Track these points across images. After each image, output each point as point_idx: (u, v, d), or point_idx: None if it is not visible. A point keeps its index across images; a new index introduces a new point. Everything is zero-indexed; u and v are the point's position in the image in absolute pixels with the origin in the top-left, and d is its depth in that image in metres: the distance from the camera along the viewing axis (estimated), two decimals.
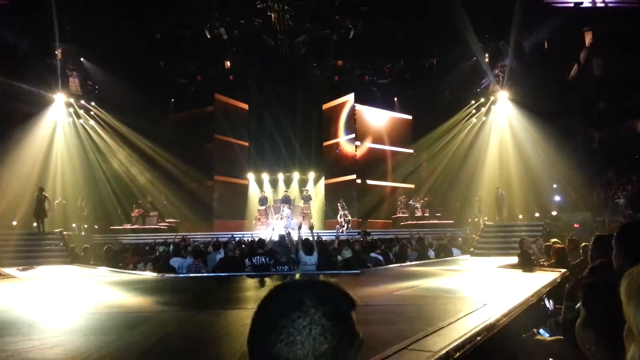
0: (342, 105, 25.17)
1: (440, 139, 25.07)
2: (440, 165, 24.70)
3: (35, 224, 17.66)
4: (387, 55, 24.82)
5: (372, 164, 24.20)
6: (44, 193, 17.74)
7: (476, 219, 21.64)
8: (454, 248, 15.40)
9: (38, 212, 17.18)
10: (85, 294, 7.94)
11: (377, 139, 24.83)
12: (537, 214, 20.89)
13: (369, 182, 23.84)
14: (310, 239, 11.20)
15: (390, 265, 11.32)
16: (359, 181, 23.59)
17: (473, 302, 5.74)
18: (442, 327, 4.44)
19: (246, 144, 25.53)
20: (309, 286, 1.00)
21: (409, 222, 22.60)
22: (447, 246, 15.32)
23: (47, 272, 11.97)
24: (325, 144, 25.44)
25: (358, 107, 24.49)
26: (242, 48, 24.18)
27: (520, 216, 21.20)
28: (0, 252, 13.93)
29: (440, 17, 21.66)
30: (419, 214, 23.20)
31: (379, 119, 25.26)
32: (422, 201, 23.91)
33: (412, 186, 25.26)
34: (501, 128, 23.69)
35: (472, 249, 15.76)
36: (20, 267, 12.52)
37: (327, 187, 25.21)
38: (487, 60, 23.83)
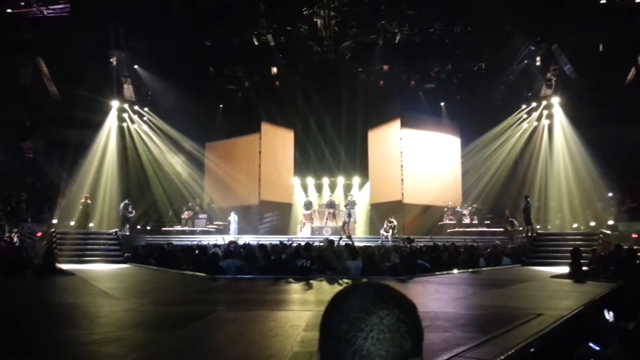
0: (387, 131, 24.64)
1: (489, 145, 24.45)
2: (489, 172, 24.06)
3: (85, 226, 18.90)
4: (434, 59, 24.47)
5: (417, 183, 23.61)
6: (88, 199, 19.51)
7: (527, 227, 20.92)
8: (504, 257, 15.00)
9: (84, 216, 18.62)
10: (140, 292, 8.25)
11: (424, 166, 23.99)
12: (592, 223, 20.03)
13: (413, 200, 23.28)
14: (351, 244, 11.21)
15: (437, 273, 11.16)
16: (404, 198, 23.09)
17: (526, 312, 5.60)
18: (495, 336, 4.36)
19: (292, 151, 25.58)
20: (383, 287, 1.02)
21: (456, 229, 22.15)
22: (498, 255, 14.93)
23: (103, 270, 12.50)
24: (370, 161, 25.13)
25: (404, 132, 23.70)
26: (288, 54, 24.50)
27: (575, 225, 20.40)
28: (59, 250, 14.63)
29: (489, 20, 21.22)
30: (466, 221, 22.70)
31: (426, 144, 24.31)
32: (470, 208, 23.39)
33: (460, 192, 24.66)
34: (553, 134, 22.92)
35: (523, 258, 15.30)
36: (78, 265, 13.11)
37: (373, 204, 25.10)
38: (538, 63, 23.11)
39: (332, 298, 1.02)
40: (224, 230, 23.00)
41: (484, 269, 13.00)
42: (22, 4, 21.89)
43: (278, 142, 25.13)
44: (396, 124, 23.93)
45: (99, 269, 13.01)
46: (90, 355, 3.63)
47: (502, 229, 21.79)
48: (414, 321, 0.97)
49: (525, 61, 23.04)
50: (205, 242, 17.94)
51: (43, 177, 24.91)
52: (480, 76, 24.84)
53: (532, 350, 4.07)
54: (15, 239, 18.84)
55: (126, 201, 20.84)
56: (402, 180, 23.05)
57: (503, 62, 23.53)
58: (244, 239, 19.19)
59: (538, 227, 20.33)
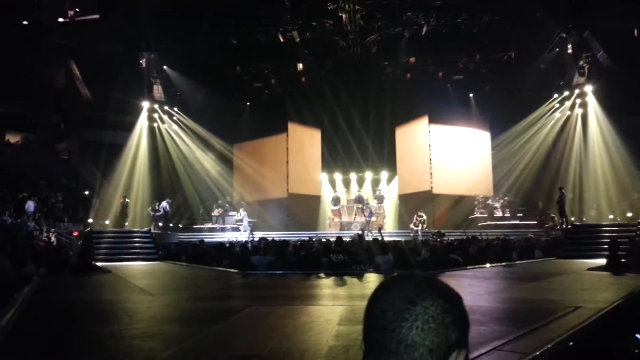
0: (415, 126, 24.38)
1: (520, 136, 23.92)
2: (521, 163, 23.55)
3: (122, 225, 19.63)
4: (462, 50, 24.05)
5: (446, 175, 23.27)
6: (126, 199, 20.44)
7: (562, 219, 20.46)
8: (537, 250, 14.71)
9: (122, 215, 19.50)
10: (175, 288, 8.42)
11: (453, 159, 23.53)
12: (629, 214, 19.45)
13: (442, 191, 22.95)
14: (380, 239, 11.17)
15: (469, 267, 11.02)
16: (433, 189, 22.81)
17: (563, 305, 5.50)
18: (533, 329, 4.30)
19: (319, 148, 25.56)
20: (428, 278, 1.02)
21: (488, 222, 21.81)
22: (531, 248, 14.66)
23: (138, 268, 12.81)
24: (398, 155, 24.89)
25: (433, 127, 23.41)
26: (314, 50, 24.49)
27: (611, 216, 19.84)
28: (96, 249, 15.05)
29: (518, 8, 20.74)
30: (498, 214, 22.31)
31: (454, 138, 23.95)
32: (501, 201, 22.97)
33: (491, 185, 24.19)
34: (587, 123, 22.30)
35: (558, 251, 14.96)
36: (114, 263, 13.46)
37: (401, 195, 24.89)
38: (570, 51, 22.48)
39: (375, 289, 1.01)
40: (254, 227, 23.23)
41: (518, 262, 12.79)
42: (56, 11, 22.56)
43: (306, 140, 25.15)
44: (424, 120, 23.63)
45: (133, 266, 13.33)
46: (132, 349, 3.73)
47: (535, 222, 21.36)
48: (460, 312, 0.96)
49: (557, 49, 22.46)
50: (235, 239, 18.22)
51: (78, 178, 25.67)
52: (510, 65, 24.28)
53: (571, 343, 3.99)
54: (53, 239, 19.45)
55: (160, 201, 21.36)
56: (430, 173, 22.80)
57: (533, 50, 22.96)
58: (257, 235, 19.50)
59: (572, 218, 19.86)
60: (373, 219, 22.03)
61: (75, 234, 19.82)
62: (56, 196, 23.22)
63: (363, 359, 0.97)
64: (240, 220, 21.87)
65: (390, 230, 22.61)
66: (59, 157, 28.25)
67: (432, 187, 22.66)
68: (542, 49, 22.66)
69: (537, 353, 3.39)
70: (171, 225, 22.09)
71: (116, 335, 4.23)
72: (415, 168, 23.92)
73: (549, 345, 3.82)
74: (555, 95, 23.73)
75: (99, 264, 12.37)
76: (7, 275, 8.72)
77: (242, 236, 20.23)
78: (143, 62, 23.98)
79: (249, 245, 14.32)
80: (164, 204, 21.20)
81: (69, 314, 5.56)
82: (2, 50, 23.37)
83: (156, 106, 24.58)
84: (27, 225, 17.92)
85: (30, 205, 19.28)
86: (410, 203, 23.12)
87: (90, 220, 21.12)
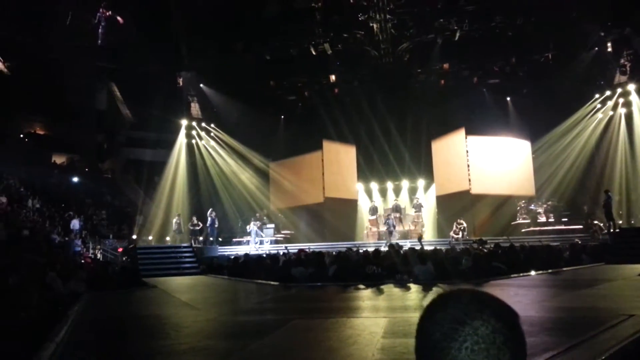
0: (452, 139, 23.66)
1: (562, 138, 23.22)
2: (563, 166, 22.83)
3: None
4: (497, 53, 23.63)
5: (485, 177, 22.69)
6: (180, 217, 21.61)
7: (609, 223, 19.71)
8: (584, 255, 14.20)
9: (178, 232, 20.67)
10: (218, 302, 8.54)
11: (491, 163, 22.88)
12: None
13: (482, 191, 22.41)
14: (418, 248, 11.03)
15: (513, 275, 10.74)
16: (472, 189, 22.32)
17: (616, 313, 5.29)
18: (585, 340, 4.16)
19: (354, 161, 25.46)
20: (479, 295, 1.00)
21: (531, 228, 21.20)
22: (577, 254, 14.17)
23: (181, 282, 13.06)
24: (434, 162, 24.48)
25: (470, 139, 22.75)
26: (346, 61, 24.59)
27: None
28: (141, 264, 15.45)
29: (553, 8, 20.27)
30: (542, 219, 21.67)
31: (493, 147, 23.34)
32: (545, 205, 22.32)
33: (532, 186, 23.44)
34: (632, 122, 21.49)
35: (606, 256, 14.39)
36: (157, 278, 13.77)
37: (439, 196, 24.43)
38: (610, 49, 21.78)
39: (426, 306, 1.01)
40: (291, 238, 23.38)
41: (564, 269, 12.38)
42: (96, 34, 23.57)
43: (342, 153, 25.09)
44: (461, 132, 22.94)
45: (177, 280, 13.60)
46: None
47: (580, 226, 20.63)
48: (513, 332, 0.93)
49: (596, 48, 21.79)
50: (274, 251, 18.36)
51: (121, 196, 26.52)
52: (548, 67, 23.63)
53: (626, 353, 3.83)
54: (99, 255, 20.12)
55: (197, 217, 21.80)
56: (468, 174, 22.29)
57: (571, 50, 22.36)
58: (265, 248, 20.01)
59: (620, 222, 19.12)
60: (394, 229, 21.51)
61: (120, 250, 20.45)
62: (101, 214, 24.06)
63: None
64: (249, 234, 22.11)
65: (429, 239, 22.27)
66: (102, 176, 29.32)
67: (470, 187, 22.12)
68: (580, 48, 22.04)
69: None
70: (220, 239, 22.26)
71: (166, 350, 4.33)
72: (453, 172, 23.46)
73: (604, 357, 3.68)
74: (597, 96, 22.99)
75: (143, 279, 12.68)
76: (58, 293, 9.08)
77: (252, 249, 20.63)
78: (180, 81, 24.73)
79: (287, 257, 14.40)
80: (212, 215, 21.49)
81: (119, 330, 5.72)
82: (46, 76, 24.57)
83: (194, 123, 25.23)
84: (74, 243, 18.61)
85: (75, 224, 20.03)
86: (449, 210, 22.67)
87: (134, 237, 21.74)
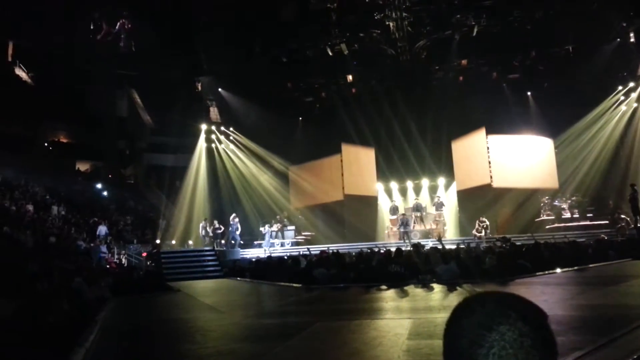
0: (473, 139, 23.15)
1: (585, 132, 22.78)
2: (587, 161, 22.38)
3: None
4: (516, 48, 23.27)
5: (507, 171, 22.28)
6: (207, 222, 21.59)
7: (636, 218, 19.25)
8: (611, 251, 13.89)
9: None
10: (242, 305, 8.60)
11: (513, 159, 22.41)
12: None
13: (503, 184, 22.00)
14: (440, 247, 10.94)
15: (539, 273, 10.56)
16: (494, 185, 21.96)
17: None
18: (614, 339, 4.07)
19: (373, 161, 25.27)
20: (506, 298, 0.98)
21: (556, 224, 20.82)
22: (604, 250, 13.87)
23: (205, 285, 13.19)
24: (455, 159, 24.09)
25: (491, 138, 22.26)
26: (362, 60, 24.53)
27: None
28: (165, 268, 15.67)
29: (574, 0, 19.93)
30: (566, 215, 21.28)
31: (514, 147, 22.81)
32: (569, 201, 21.90)
33: (556, 180, 22.91)
34: None
35: (634, 251, 14.06)
36: (182, 282, 13.93)
37: (460, 193, 24.11)
38: (632, 40, 21.30)
39: (451, 312, 1.00)
40: (312, 240, 23.38)
41: (591, 265, 12.13)
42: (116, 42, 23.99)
43: (361, 154, 24.95)
44: (481, 132, 22.45)
45: (200, 284, 13.74)
46: None
47: (606, 222, 20.20)
48: (541, 334, 0.92)
49: (618, 39, 21.34)
50: (296, 253, 18.41)
51: (144, 201, 26.92)
52: (568, 60, 23.22)
53: None
54: (124, 260, 20.44)
55: (219, 221, 22.00)
56: (490, 169, 21.92)
57: (592, 42, 21.93)
58: (278, 251, 19.98)
59: None
60: (409, 229, 21.40)
61: (144, 255, 20.75)
62: (125, 219, 24.45)
63: None
64: (263, 237, 22.25)
65: (451, 238, 22.04)
66: (125, 181, 29.80)
67: (492, 181, 21.63)
68: (602, 40, 21.61)
69: None
70: (233, 242, 22.44)
71: (192, 354, 4.38)
72: (474, 168, 23.06)
73: (635, 356, 3.60)
74: (620, 88, 22.51)
75: (168, 283, 12.83)
76: (85, 298, 9.25)
77: (264, 251, 20.75)
78: (199, 85, 24.99)
79: (307, 258, 14.42)
80: (234, 220, 21.64)
81: (146, 334, 5.81)
82: (67, 85, 25.11)
83: (213, 127, 25.46)
84: (100, 248, 18.94)
85: (101, 230, 20.38)
86: (471, 207, 22.32)
87: (157, 241, 22.03)
